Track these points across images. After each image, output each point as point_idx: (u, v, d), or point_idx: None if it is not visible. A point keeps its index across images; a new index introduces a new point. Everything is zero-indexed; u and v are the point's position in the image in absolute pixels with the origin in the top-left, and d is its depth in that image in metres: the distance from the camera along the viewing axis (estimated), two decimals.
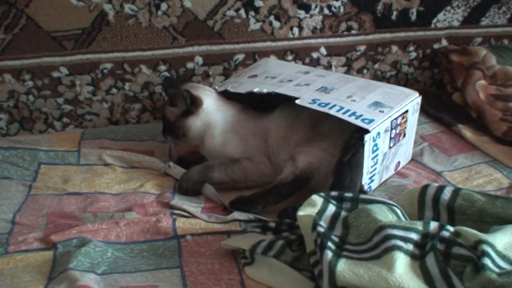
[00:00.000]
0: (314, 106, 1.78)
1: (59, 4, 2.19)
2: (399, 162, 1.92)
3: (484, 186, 1.81)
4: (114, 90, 2.34)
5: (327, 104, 1.78)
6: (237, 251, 1.51)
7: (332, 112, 1.74)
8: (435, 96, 2.47)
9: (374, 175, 1.79)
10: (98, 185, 1.88)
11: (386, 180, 1.88)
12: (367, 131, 1.67)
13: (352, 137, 1.71)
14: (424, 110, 2.27)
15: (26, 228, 1.64)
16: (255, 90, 1.93)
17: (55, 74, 2.28)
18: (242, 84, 2.01)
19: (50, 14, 2.20)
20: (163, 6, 2.26)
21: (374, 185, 1.82)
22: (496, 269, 1.21)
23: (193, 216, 1.69)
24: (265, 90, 1.92)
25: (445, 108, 2.36)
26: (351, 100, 1.80)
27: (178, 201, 1.76)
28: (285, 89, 1.90)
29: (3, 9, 2.16)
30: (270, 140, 1.92)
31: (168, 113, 1.97)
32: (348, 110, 1.75)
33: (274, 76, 2.02)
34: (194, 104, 1.93)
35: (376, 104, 1.79)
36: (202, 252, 1.53)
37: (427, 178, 1.87)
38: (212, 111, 1.95)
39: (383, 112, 1.76)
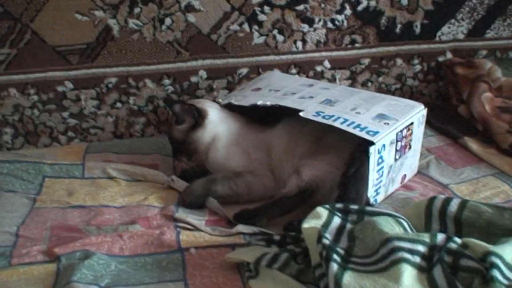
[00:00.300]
0: (318, 119, 1.77)
1: (64, 19, 2.20)
2: (405, 175, 1.91)
3: (491, 199, 1.79)
4: (118, 104, 2.34)
5: (331, 117, 1.77)
6: (242, 264, 1.49)
7: (337, 124, 1.74)
8: (440, 109, 2.46)
9: (379, 187, 1.78)
10: (102, 198, 1.88)
11: (392, 193, 1.87)
12: (372, 143, 1.66)
13: (357, 150, 1.71)
14: (430, 123, 2.27)
15: (29, 240, 1.64)
16: (259, 102, 1.93)
17: (60, 89, 2.28)
18: (245, 97, 2.01)
19: (55, 28, 2.21)
20: (167, 21, 2.27)
21: (380, 198, 1.81)
22: (505, 281, 1.19)
23: (197, 229, 1.67)
24: (268, 103, 1.92)
25: (451, 121, 2.35)
26: (356, 113, 1.80)
27: (182, 214, 1.75)
28: (289, 102, 1.90)
29: (8, 24, 2.17)
30: (273, 153, 1.91)
31: (176, 133, 1.97)
32: (353, 122, 1.74)
33: (278, 89, 2.02)
34: (200, 115, 1.94)
35: (381, 116, 1.78)
36: (206, 265, 1.51)
37: (434, 190, 1.86)
38: (217, 122, 1.95)
39: (388, 124, 1.75)
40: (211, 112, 1.96)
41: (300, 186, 1.73)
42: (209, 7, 2.28)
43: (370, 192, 1.73)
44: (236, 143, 1.93)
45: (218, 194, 1.83)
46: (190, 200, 1.83)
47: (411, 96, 2.56)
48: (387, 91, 2.53)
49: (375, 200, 1.78)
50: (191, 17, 2.28)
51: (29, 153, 2.16)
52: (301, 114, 1.81)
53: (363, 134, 1.69)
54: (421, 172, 1.99)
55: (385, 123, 1.74)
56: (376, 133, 1.69)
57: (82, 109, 2.32)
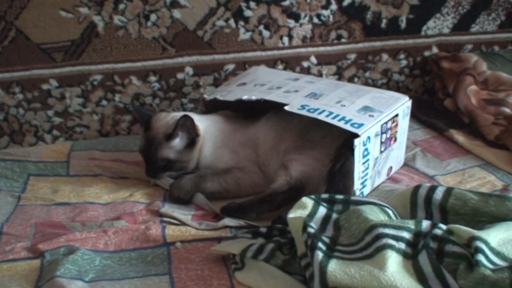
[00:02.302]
0: (303, 112, 1.77)
1: (48, 16, 2.19)
2: (391, 167, 1.91)
3: (477, 189, 1.79)
4: (104, 102, 2.33)
5: (316, 110, 1.77)
6: (228, 257, 1.49)
7: (321, 117, 1.73)
8: (426, 103, 2.47)
9: (366, 180, 1.77)
10: (87, 195, 1.87)
11: (379, 185, 1.87)
12: (356, 136, 1.66)
13: (343, 145, 1.71)
14: (416, 116, 2.27)
15: (14, 238, 1.62)
16: (244, 97, 1.92)
17: (44, 87, 2.27)
18: (231, 92, 2.00)
19: (40, 26, 2.19)
20: (153, 17, 2.26)
21: (366, 191, 1.80)
22: (490, 266, 1.19)
23: (183, 223, 1.66)
24: (253, 98, 1.91)
25: (437, 114, 2.36)
26: (341, 105, 1.79)
27: (168, 209, 1.74)
28: (274, 96, 1.89)
29: None
30: (259, 150, 1.91)
31: (166, 151, 1.85)
32: (338, 115, 1.73)
33: (263, 83, 2.01)
34: (196, 133, 1.89)
35: (366, 108, 1.78)
36: (191, 258, 1.51)
37: (420, 182, 1.85)
38: (204, 133, 1.91)
39: (372, 116, 1.75)
40: (199, 125, 1.91)
41: (289, 182, 1.73)
42: (195, 3, 2.27)
43: (357, 185, 1.72)
44: (222, 144, 1.93)
45: (207, 191, 1.83)
46: (179, 195, 1.82)
47: (397, 91, 2.53)
48: (374, 86, 2.53)
49: (362, 193, 1.78)
50: (176, 13, 2.27)
51: (14, 151, 2.15)
52: (286, 108, 1.80)
53: (348, 127, 1.69)
54: (407, 165, 1.99)
55: (370, 115, 1.74)
56: (360, 125, 1.69)
57: (67, 107, 2.31)
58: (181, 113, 1.90)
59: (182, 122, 1.84)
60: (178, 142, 1.86)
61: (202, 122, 1.93)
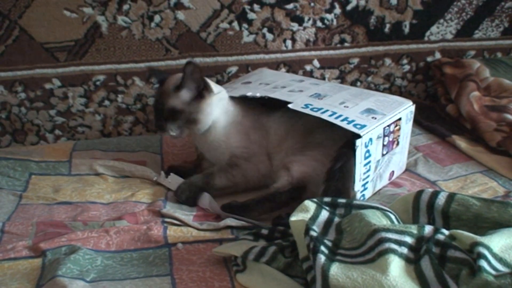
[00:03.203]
0: (307, 111, 1.77)
1: (52, 15, 2.19)
2: (393, 172, 1.91)
3: (479, 195, 1.79)
4: (106, 102, 2.33)
5: (319, 109, 1.77)
6: (229, 259, 1.48)
7: (324, 116, 1.74)
8: (429, 109, 2.47)
9: (367, 182, 1.77)
10: (89, 194, 1.87)
11: (380, 189, 1.87)
12: (358, 136, 1.66)
13: (344, 146, 1.71)
14: (418, 122, 2.27)
15: (15, 236, 1.62)
16: (248, 94, 1.93)
17: (47, 86, 2.27)
18: (235, 89, 2.01)
19: (43, 25, 2.20)
20: (156, 18, 2.26)
21: (367, 194, 1.80)
22: (493, 271, 1.19)
23: (184, 224, 1.66)
24: (258, 94, 1.91)
25: (439, 120, 2.36)
26: (344, 106, 1.80)
27: (170, 209, 1.74)
28: (278, 94, 1.90)
29: None
30: (269, 138, 1.92)
31: (173, 100, 1.83)
32: (340, 115, 1.74)
33: (268, 83, 2.02)
34: (206, 88, 1.86)
35: (369, 110, 1.79)
36: (193, 260, 1.50)
37: (422, 187, 1.85)
38: (219, 98, 1.89)
39: (375, 118, 1.75)
40: (215, 89, 1.89)
41: (291, 182, 1.74)
42: (199, 5, 2.27)
43: (358, 187, 1.73)
44: (235, 121, 1.91)
45: (217, 187, 1.84)
46: (187, 196, 1.82)
47: (400, 96, 2.55)
48: (376, 90, 2.53)
49: (363, 196, 1.78)
50: (180, 15, 2.27)
51: (16, 151, 2.15)
52: (290, 106, 1.81)
53: (350, 127, 1.69)
54: (409, 170, 1.99)
55: (372, 117, 1.74)
56: (363, 126, 1.70)
57: (70, 107, 2.31)
58: None
59: (189, 71, 1.81)
60: (185, 92, 1.84)
61: (218, 88, 1.91)
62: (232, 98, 1.95)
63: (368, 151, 1.71)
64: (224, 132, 1.90)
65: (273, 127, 1.92)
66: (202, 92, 1.84)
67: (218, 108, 1.88)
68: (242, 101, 1.96)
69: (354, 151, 1.66)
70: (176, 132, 1.85)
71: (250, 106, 1.96)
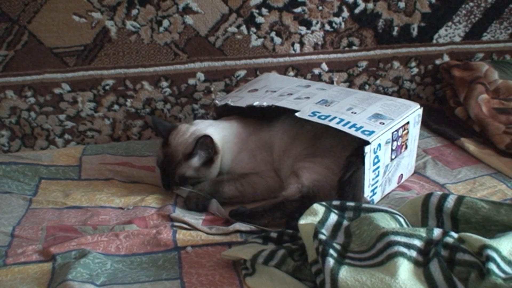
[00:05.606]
0: (314, 119, 1.77)
1: (61, 20, 2.21)
2: (401, 175, 1.91)
3: (488, 198, 1.78)
4: (116, 107, 2.34)
5: (327, 117, 1.77)
6: (238, 262, 1.49)
7: (332, 124, 1.74)
8: (437, 112, 2.47)
9: (376, 187, 1.77)
10: (99, 199, 1.88)
11: (389, 193, 1.86)
12: (367, 143, 1.66)
13: (353, 154, 1.71)
14: (427, 124, 2.27)
15: (25, 240, 1.64)
16: (255, 103, 1.93)
17: (57, 91, 2.28)
18: (242, 98, 2.01)
19: (52, 30, 2.21)
20: (165, 22, 2.27)
21: (376, 198, 1.80)
22: (502, 274, 1.18)
23: (194, 228, 1.67)
24: (265, 104, 1.91)
25: (448, 122, 2.35)
26: (352, 112, 1.80)
27: (179, 213, 1.75)
28: (285, 102, 1.90)
29: (6, 25, 2.18)
30: (274, 153, 1.92)
31: (183, 169, 1.85)
32: (348, 122, 1.74)
33: (275, 90, 2.02)
34: (215, 151, 1.89)
35: (377, 116, 1.79)
36: (202, 263, 1.51)
37: (430, 190, 1.85)
38: (222, 145, 1.91)
39: (383, 123, 1.75)
40: (217, 140, 1.90)
41: (302, 190, 1.73)
42: (207, 9, 2.28)
43: (367, 192, 1.72)
44: (240, 150, 1.93)
45: (225, 196, 1.84)
46: (196, 203, 1.82)
47: (408, 99, 2.51)
48: (384, 94, 2.53)
49: (372, 200, 1.78)
50: (188, 19, 2.28)
51: (26, 155, 2.16)
52: (297, 114, 1.81)
53: (358, 134, 1.69)
54: (418, 173, 1.99)
55: (380, 123, 1.74)
56: (371, 132, 1.69)
57: (79, 111, 2.32)
58: (200, 125, 1.92)
59: (202, 142, 1.84)
60: (196, 160, 1.87)
61: (219, 132, 1.92)
62: (228, 121, 1.98)
63: (377, 156, 1.71)
64: (233, 162, 1.92)
65: (276, 140, 1.93)
66: (212, 158, 1.88)
67: (225, 154, 1.91)
68: (240, 119, 1.98)
69: (363, 158, 1.66)
70: (184, 193, 1.87)
71: (249, 124, 1.98)
